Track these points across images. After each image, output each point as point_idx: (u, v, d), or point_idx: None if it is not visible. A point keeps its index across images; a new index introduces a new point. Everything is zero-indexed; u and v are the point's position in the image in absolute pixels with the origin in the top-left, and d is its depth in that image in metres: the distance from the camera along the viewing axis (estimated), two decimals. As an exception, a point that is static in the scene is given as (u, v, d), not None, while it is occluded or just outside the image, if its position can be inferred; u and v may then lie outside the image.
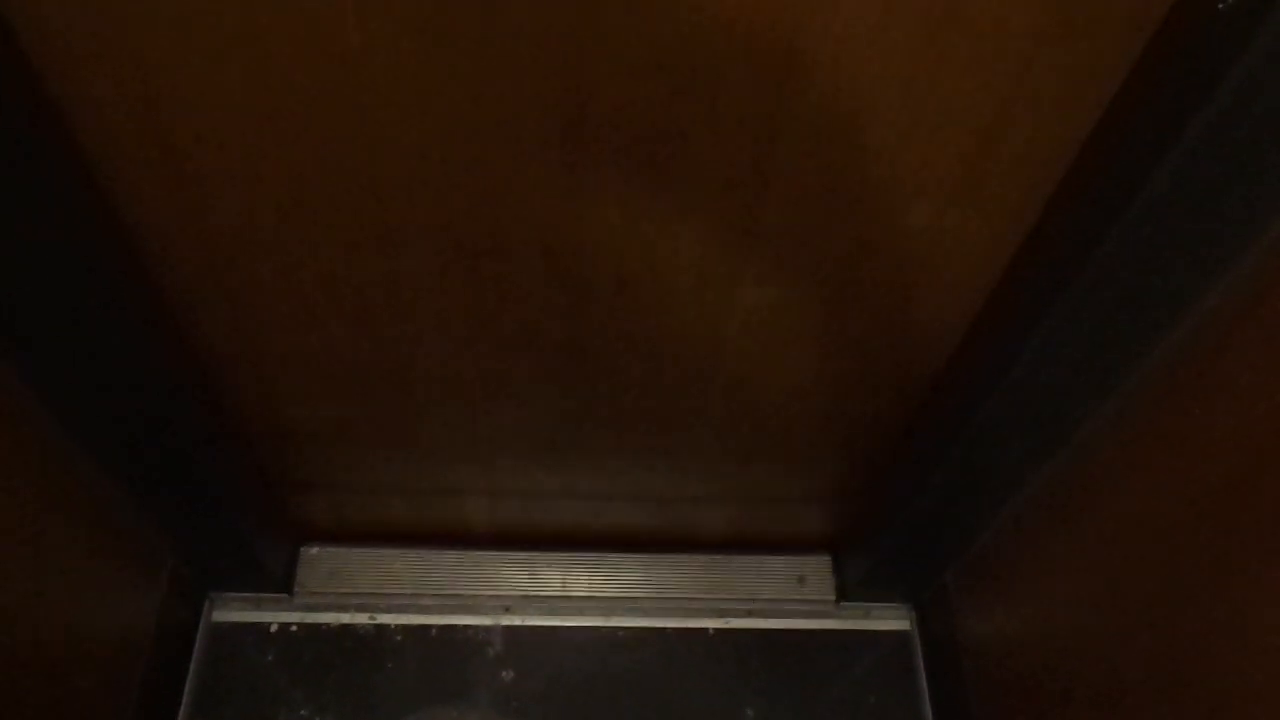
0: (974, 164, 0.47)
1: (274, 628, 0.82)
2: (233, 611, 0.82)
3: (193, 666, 0.80)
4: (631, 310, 0.58)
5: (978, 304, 0.57)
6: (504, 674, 0.82)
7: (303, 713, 0.79)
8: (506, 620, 0.84)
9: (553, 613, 0.85)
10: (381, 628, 0.83)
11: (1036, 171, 0.48)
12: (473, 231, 0.51)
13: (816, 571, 0.88)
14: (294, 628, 0.82)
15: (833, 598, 0.87)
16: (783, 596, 0.87)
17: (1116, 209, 0.44)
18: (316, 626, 0.83)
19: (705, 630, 0.85)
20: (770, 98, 0.43)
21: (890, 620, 0.87)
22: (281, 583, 0.83)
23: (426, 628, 0.83)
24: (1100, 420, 0.57)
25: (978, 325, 0.59)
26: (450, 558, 0.86)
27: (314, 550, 0.85)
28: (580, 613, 0.85)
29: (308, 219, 0.50)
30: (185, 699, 0.79)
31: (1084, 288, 0.48)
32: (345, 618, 0.83)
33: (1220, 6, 0.36)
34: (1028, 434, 0.60)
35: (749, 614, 0.86)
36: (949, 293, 0.57)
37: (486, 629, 0.84)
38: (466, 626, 0.84)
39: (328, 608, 0.83)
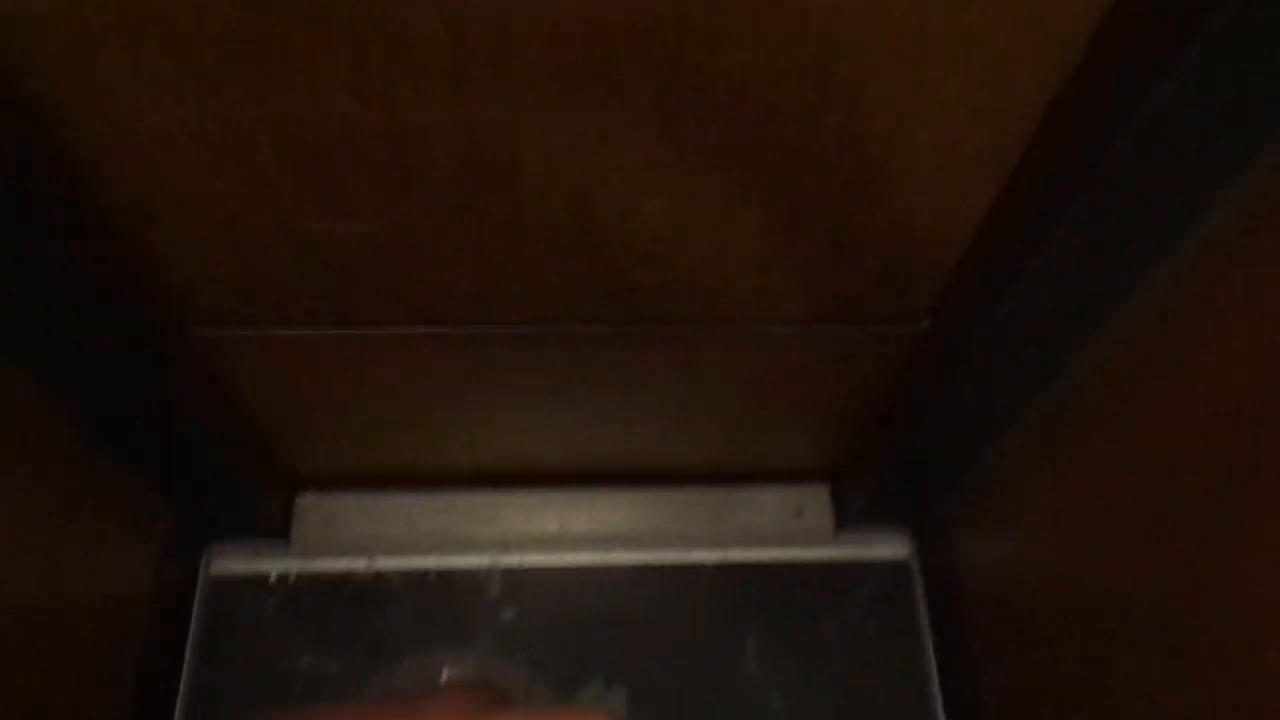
0: (981, 82, 0.45)
1: (273, 577, 0.82)
2: (231, 563, 0.83)
3: (194, 618, 0.80)
4: (627, 238, 0.56)
5: (976, 225, 0.56)
6: (504, 614, 0.82)
7: (306, 659, 0.80)
8: (505, 561, 0.84)
9: (551, 552, 0.85)
10: (380, 573, 0.83)
11: (1037, 83, 0.46)
12: (470, 161, 0.49)
13: (814, 502, 0.87)
14: (293, 577, 0.83)
15: (831, 528, 0.87)
16: (781, 528, 0.86)
17: (1119, 124, 0.42)
18: (315, 575, 0.83)
19: (704, 564, 0.86)
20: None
21: (889, 549, 0.87)
22: (278, 532, 0.83)
23: (425, 571, 0.84)
24: (1103, 344, 0.56)
25: (976, 248, 0.57)
26: (445, 501, 0.85)
27: (309, 499, 0.85)
28: (578, 551, 0.85)
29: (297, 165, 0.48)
30: (188, 650, 0.79)
31: (1085, 210, 0.46)
32: (343, 564, 0.83)
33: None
34: (1028, 359, 0.59)
35: (747, 546, 0.86)
36: (947, 213, 0.55)
37: (485, 570, 0.84)
38: (465, 569, 0.84)
39: (325, 555, 0.83)
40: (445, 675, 0.79)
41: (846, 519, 0.86)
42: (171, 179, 0.48)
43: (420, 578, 0.83)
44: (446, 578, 0.83)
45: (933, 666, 0.82)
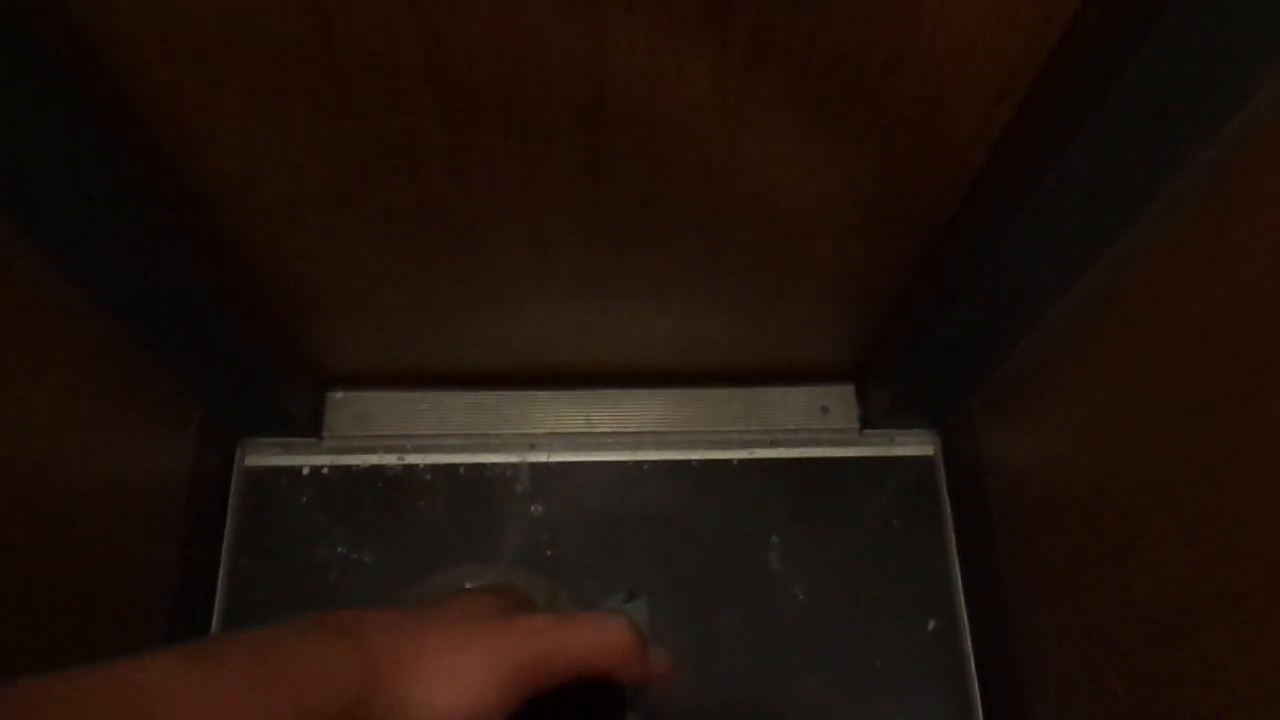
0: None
1: (306, 470, 0.84)
2: (264, 456, 0.84)
3: (230, 510, 0.82)
4: (649, 138, 0.55)
5: (1006, 116, 0.54)
6: (533, 508, 0.84)
7: (340, 549, 0.82)
8: (533, 457, 0.85)
9: (578, 449, 0.86)
10: (410, 467, 0.85)
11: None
12: (472, 57, 0.49)
13: (840, 401, 0.88)
14: (325, 470, 0.84)
15: (857, 426, 0.87)
16: (806, 426, 0.87)
17: (1158, 6, 0.41)
18: (347, 468, 0.84)
19: (730, 461, 0.86)
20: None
21: (914, 447, 0.87)
22: (310, 427, 0.85)
23: (454, 466, 0.85)
24: (1133, 239, 0.55)
25: (1006, 139, 0.56)
26: (474, 399, 0.86)
27: (339, 395, 0.86)
28: (605, 448, 0.86)
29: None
30: (226, 540, 0.81)
31: (1117, 99, 0.45)
32: (374, 459, 0.85)
33: None
34: (1057, 254, 0.58)
35: (772, 444, 0.87)
36: (975, 104, 0.53)
37: (514, 466, 0.85)
38: (494, 464, 0.85)
39: (357, 450, 0.85)
40: (468, 589, 0.81)
41: (872, 417, 0.86)
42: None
43: (450, 472, 0.85)
44: (476, 472, 0.85)
45: (955, 561, 0.83)
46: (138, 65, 0.48)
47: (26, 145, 0.47)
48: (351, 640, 0.36)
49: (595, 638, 0.40)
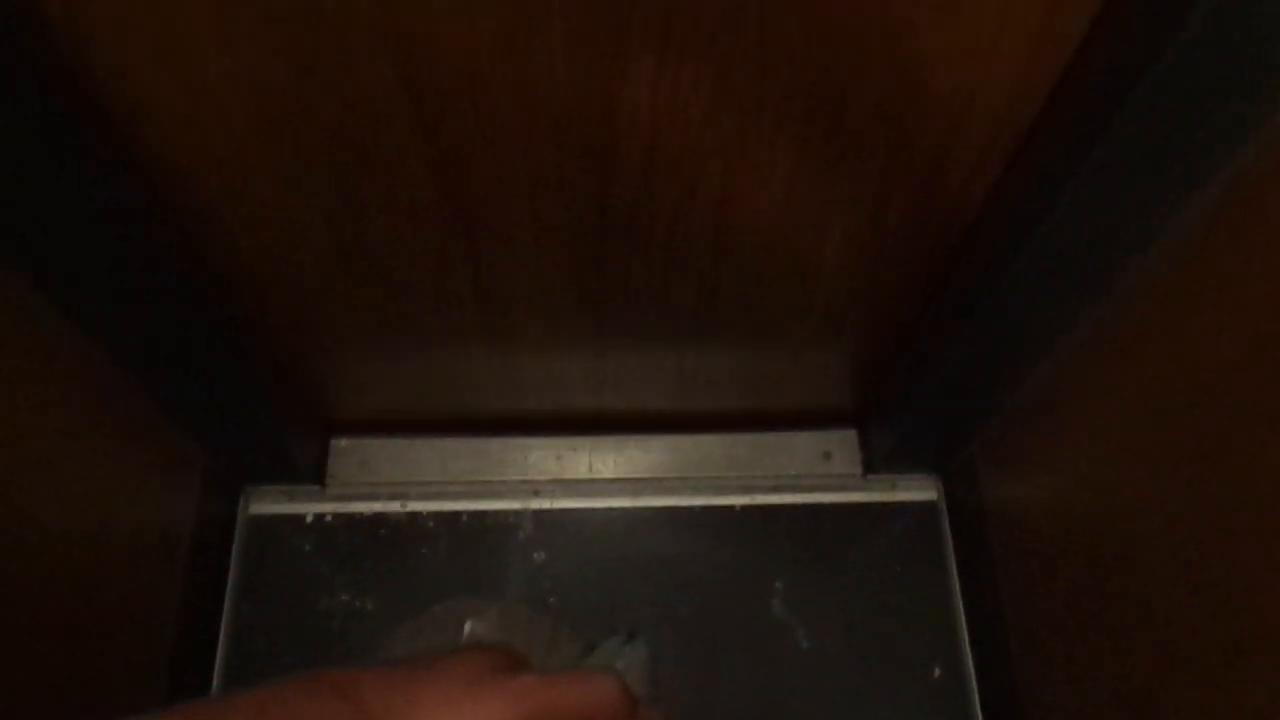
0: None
1: (309, 518, 0.84)
2: (268, 504, 0.85)
3: (234, 557, 0.82)
4: (651, 183, 0.56)
5: (1006, 156, 0.55)
6: (535, 555, 0.84)
7: (343, 597, 0.82)
8: (535, 504, 0.86)
9: (581, 495, 0.86)
10: (413, 515, 0.85)
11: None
12: (486, 106, 0.50)
13: (842, 446, 0.88)
14: (329, 518, 0.84)
15: (859, 471, 0.87)
16: (808, 472, 0.87)
17: (1159, 42, 0.41)
18: (350, 516, 0.85)
19: (732, 507, 0.86)
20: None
21: (917, 491, 0.87)
22: (314, 475, 0.85)
23: (457, 513, 0.85)
24: (1135, 279, 0.55)
25: (1005, 180, 0.56)
26: (476, 445, 0.87)
27: (343, 442, 0.86)
28: (608, 494, 0.86)
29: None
30: (229, 587, 0.81)
31: (1115, 138, 0.45)
32: (378, 506, 0.85)
33: None
34: (1055, 297, 0.59)
35: (775, 490, 0.87)
36: (971, 145, 0.54)
37: (516, 513, 0.85)
38: (496, 511, 0.85)
39: (360, 497, 0.85)
40: (469, 627, 0.81)
41: (874, 462, 0.87)
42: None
43: (453, 519, 0.85)
44: (478, 519, 0.85)
45: (960, 606, 0.82)
46: (140, 114, 0.49)
47: (33, 199, 0.48)
48: (349, 699, 0.37)
49: (586, 696, 0.40)
